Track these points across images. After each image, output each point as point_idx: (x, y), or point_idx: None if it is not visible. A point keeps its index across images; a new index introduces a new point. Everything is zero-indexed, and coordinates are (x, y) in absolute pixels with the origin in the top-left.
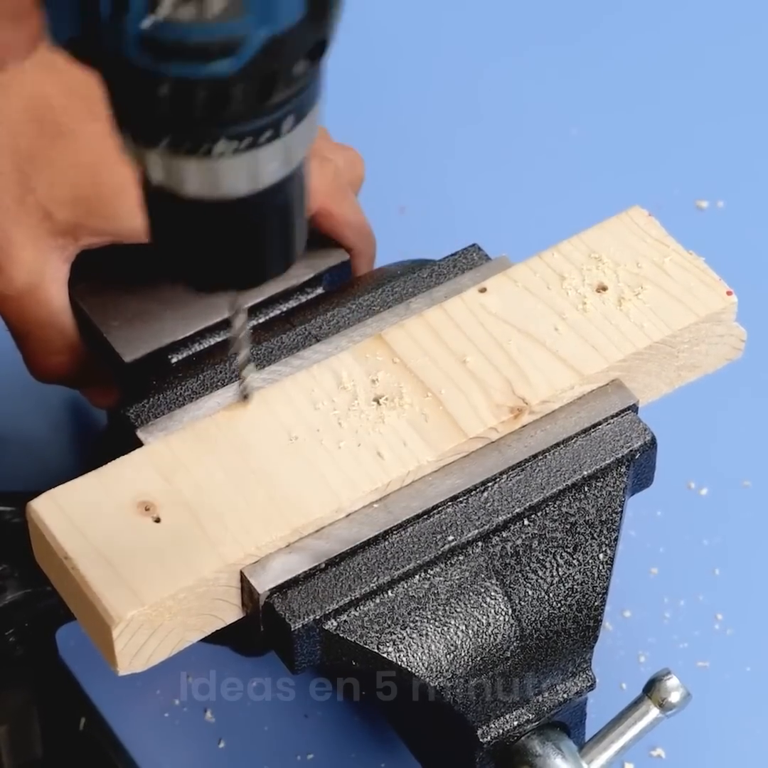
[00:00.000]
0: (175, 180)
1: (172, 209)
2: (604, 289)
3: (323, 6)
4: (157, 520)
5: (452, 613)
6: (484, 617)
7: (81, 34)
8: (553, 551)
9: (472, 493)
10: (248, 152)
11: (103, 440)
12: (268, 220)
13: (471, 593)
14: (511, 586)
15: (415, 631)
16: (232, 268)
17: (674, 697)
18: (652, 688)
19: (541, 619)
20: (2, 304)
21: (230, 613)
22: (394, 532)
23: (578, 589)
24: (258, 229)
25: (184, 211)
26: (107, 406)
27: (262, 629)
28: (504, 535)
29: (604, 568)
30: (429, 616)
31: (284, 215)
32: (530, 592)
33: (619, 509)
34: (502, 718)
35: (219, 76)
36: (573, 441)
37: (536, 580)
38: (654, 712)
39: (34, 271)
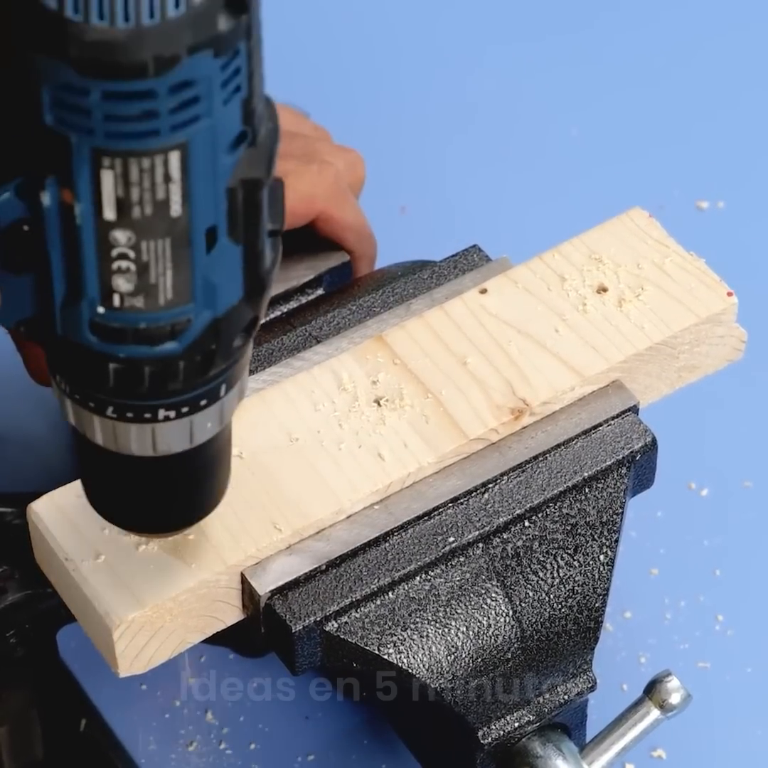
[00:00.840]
0: (116, 441)
1: (105, 460)
2: (605, 290)
3: (260, 287)
4: None
5: (453, 614)
6: (485, 618)
7: (32, 317)
8: (553, 552)
9: (472, 495)
10: (187, 417)
11: None
12: (197, 470)
13: (472, 594)
14: (512, 587)
15: (416, 632)
16: (159, 513)
17: (675, 699)
18: (652, 689)
19: (541, 620)
20: None
21: (231, 614)
22: (395, 534)
23: (579, 591)
24: (187, 479)
25: (117, 462)
26: None
27: (262, 631)
28: (505, 537)
29: (604, 569)
30: (430, 618)
31: (213, 464)
32: (531, 594)
33: (620, 510)
34: (502, 719)
35: (164, 355)
36: (574, 442)
37: (537, 582)
38: (655, 713)
39: None
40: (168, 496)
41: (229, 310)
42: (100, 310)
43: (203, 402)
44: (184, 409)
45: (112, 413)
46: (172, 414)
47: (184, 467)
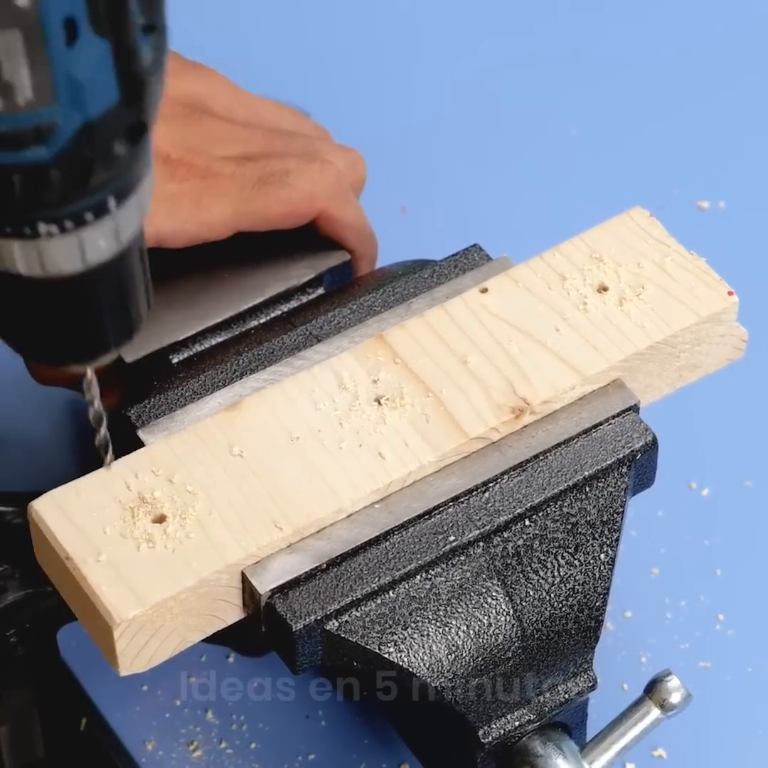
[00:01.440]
0: (3, 260)
1: (4, 284)
2: (606, 289)
3: (138, 89)
4: (158, 521)
5: (453, 613)
6: (486, 617)
7: None
8: (554, 551)
9: (473, 494)
10: (73, 233)
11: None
12: (103, 295)
13: (472, 593)
14: (513, 586)
15: (417, 631)
16: (71, 341)
17: (675, 698)
18: (653, 688)
19: (542, 619)
20: None
21: (231, 613)
22: (396, 533)
23: (579, 590)
24: (92, 305)
25: (15, 286)
26: (109, 408)
27: (263, 629)
28: (505, 536)
29: (605, 568)
30: (430, 617)
31: (121, 288)
32: (531, 593)
33: (621, 509)
34: (503, 718)
35: (34, 162)
36: (574, 441)
37: (537, 581)
38: (655, 712)
39: None
40: (74, 323)
41: (103, 113)
42: None
43: (89, 216)
44: (68, 224)
45: (5, 228)
46: (54, 229)
47: (82, 291)
